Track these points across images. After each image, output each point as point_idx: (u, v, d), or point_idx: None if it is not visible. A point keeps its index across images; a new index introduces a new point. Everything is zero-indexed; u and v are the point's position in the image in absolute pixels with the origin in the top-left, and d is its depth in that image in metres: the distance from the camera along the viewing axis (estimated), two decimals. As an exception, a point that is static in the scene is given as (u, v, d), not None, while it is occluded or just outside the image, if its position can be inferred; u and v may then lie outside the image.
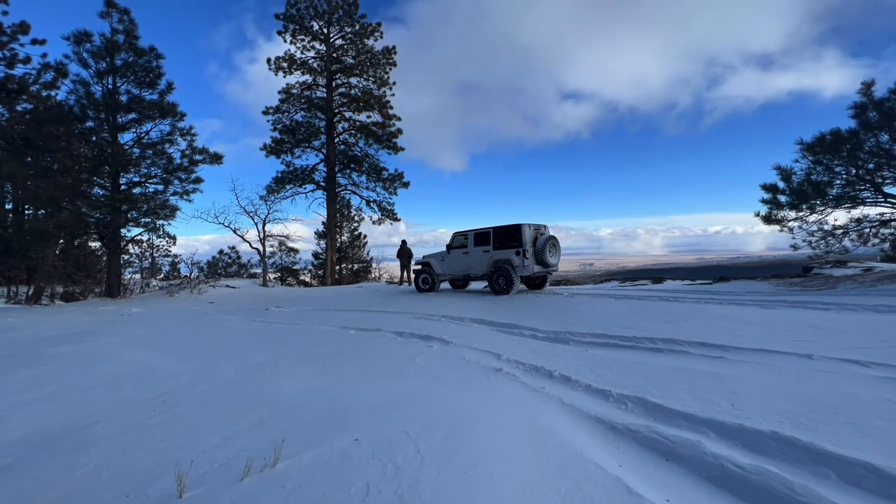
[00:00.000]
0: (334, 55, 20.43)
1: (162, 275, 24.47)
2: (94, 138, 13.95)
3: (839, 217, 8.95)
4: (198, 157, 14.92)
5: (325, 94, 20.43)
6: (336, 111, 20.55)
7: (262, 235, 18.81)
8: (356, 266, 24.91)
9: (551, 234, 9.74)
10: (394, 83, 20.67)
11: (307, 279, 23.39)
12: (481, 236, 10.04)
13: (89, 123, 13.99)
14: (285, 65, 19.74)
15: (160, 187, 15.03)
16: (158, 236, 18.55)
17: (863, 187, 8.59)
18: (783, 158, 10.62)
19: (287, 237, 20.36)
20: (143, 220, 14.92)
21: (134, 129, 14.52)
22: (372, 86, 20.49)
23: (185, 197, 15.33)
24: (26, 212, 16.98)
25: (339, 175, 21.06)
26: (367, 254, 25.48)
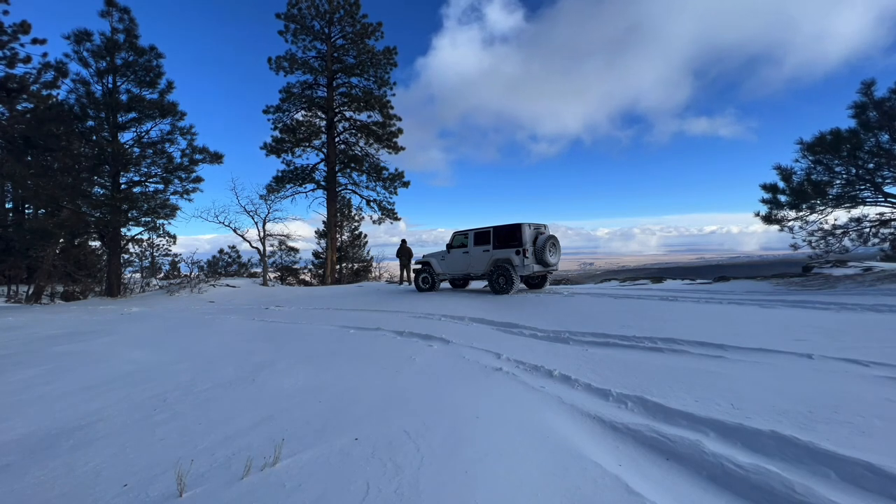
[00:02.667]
0: (335, 55, 20.42)
1: (162, 274, 24.47)
2: (94, 137, 13.95)
3: (839, 216, 8.95)
4: (198, 156, 14.94)
5: (325, 94, 20.43)
6: (337, 110, 20.55)
7: (262, 234, 18.83)
8: (356, 265, 24.91)
9: (551, 233, 9.74)
10: (394, 83, 20.68)
11: (307, 278, 23.40)
12: (481, 236, 10.03)
13: (89, 122, 14.01)
14: (286, 64, 19.75)
15: (160, 186, 15.06)
16: (158, 235, 18.59)
17: (863, 187, 8.58)
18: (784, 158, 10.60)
19: (287, 236, 20.39)
20: (143, 219, 14.93)
21: (134, 129, 14.55)
22: (372, 85, 20.49)
23: (185, 196, 15.36)
24: (26, 211, 16.99)
25: (339, 174, 21.06)
26: (368, 253, 25.49)
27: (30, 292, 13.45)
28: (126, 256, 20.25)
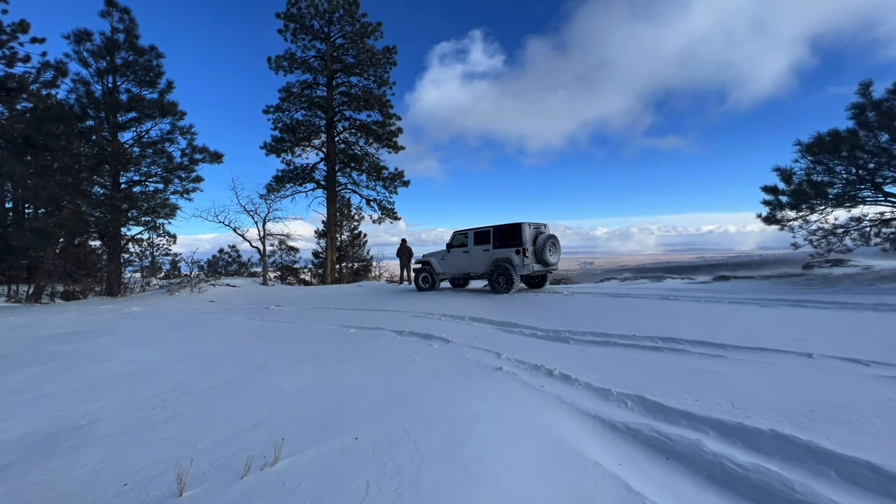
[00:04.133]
0: (335, 54, 20.40)
1: (162, 273, 24.46)
2: (94, 137, 13.94)
3: (840, 216, 8.96)
4: (198, 155, 14.92)
5: (325, 93, 20.41)
6: (336, 110, 20.53)
7: (262, 234, 18.83)
8: (356, 265, 24.90)
9: (551, 232, 9.74)
10: (394, 83, 20.67)
11: (307, 278, 23.39)
12: (481, 235, 10.03)
13: (89, 122, 13.99)
14: (286, 63, 19.73)
15: (160, 186, 15.03)
16: (159, 235, 18.62)
17: (863, 187, 8.59)
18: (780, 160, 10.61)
19: (287, 236, 20.39)
20: (143, 218, 14.91)
21: (134, 128, 14.53)
22: (372, 85, 20.47)
23: (185, 196, 15.34)
24: (26, 211, 16.99)
25: (339, 174, 21.05)
26: (368, 252, 25.48)
27: (30, 292, 13.45)
28: (126, 256, 20.24)
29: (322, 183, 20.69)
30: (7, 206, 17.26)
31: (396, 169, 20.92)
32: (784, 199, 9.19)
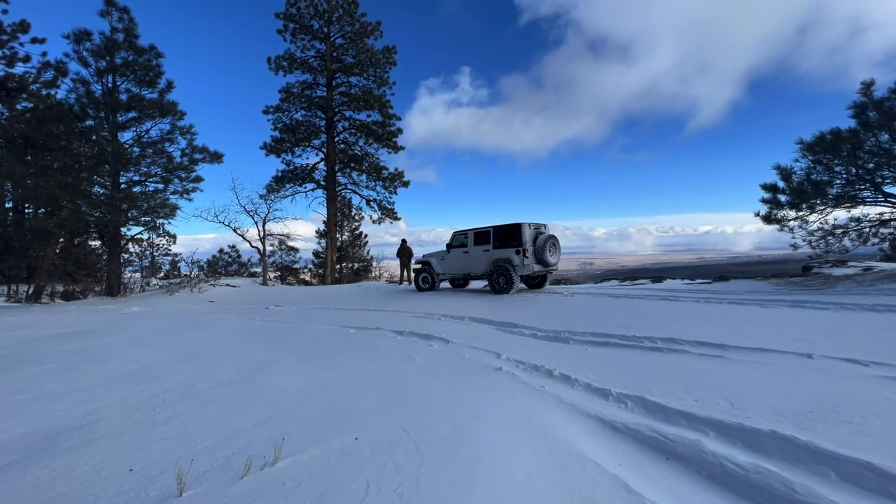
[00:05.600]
0: (334, 54, 20.40)
1: (162, 273, 24.45)
2: (94, 137, 13.94)
3: (839, 216, 8.96)
4: (198, 155, 14.93)
5: (325, 94, 20.41)
6: (336, 110, 20.52)
7: (262, 234, 18.83)
8: (356, 265, 24.89)
9: (551, 233, 9.74)
10: (394, 83, 20.67)
11: (307, 278, 23.38)
12: (481, 235, 10.03)
13: (89, 122, 13.99)
14: (285, 64, 19.73)
15: (160, 186, 15.04)
16: (159, 235, 18.58)
17: (863, 187, 8.59)
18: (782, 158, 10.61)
19: (287, 236, 20.39)
20: (143, 218, 14.92)
21: (134, 128, 14.54)
22: (372, 85, 20.47)
23: (185, 196, 15.35)
24: (26, 210, 16.98)
25: (339, 174, 21.05)
26: (368, 253, 25.47)
27: (30, 292, 13.45)
28: (126, 256, 20.23)
29: (322, 183, 20.69)
30: (7, 206, 17.25)
31: (396, 169, 20.94)
32: (783, 198, 9.20)
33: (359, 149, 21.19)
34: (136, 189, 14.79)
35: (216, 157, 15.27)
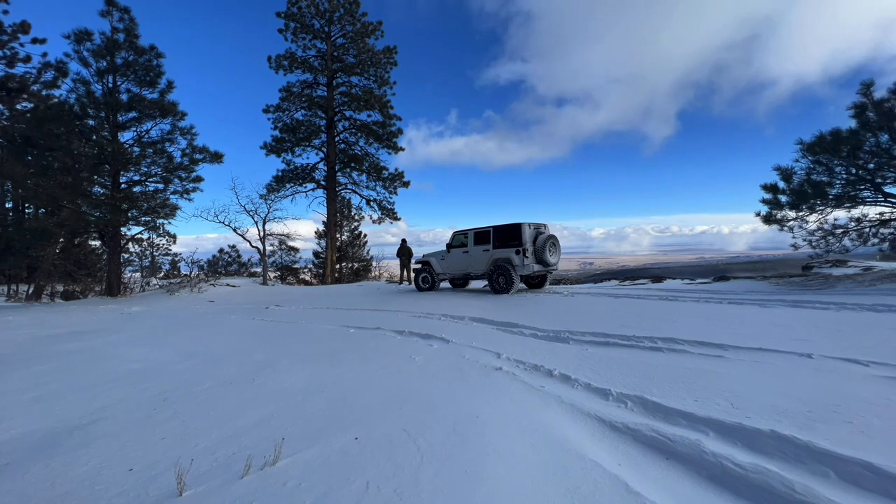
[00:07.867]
0: (335, 54, 20.40)
1: (162, 273, 24.46)
2: (94, 137, 13.94)
3: (839, 216, 8.96)
4: (198, 155, 14.91)
5: (325, 93, 20.42)
6: (336, 110, 20.53)
7: (262, 234, 18.84)
8: (356, 265, 24.90)
9: (551, 233, 9.74)
10: (394, 82, 20.68)
11: (307, 278, 23.39)
12: (481, 235, 10.03)
13: (90, 122, 13.99)
14: (286, 63, 19.73)
15: (160, 186, 15.03)
16: (159, 235, 18.61)
17: (863, 187, 8.58)
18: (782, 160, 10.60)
19: (287, 236, 20.41)
20: (143, 218, 14.92)
21: (134, 128, 14.53)
22: (373, 85, 20.48)
23: (185, 195, 15.34)
24: (27, 210, 16.99)
25: (339, 174, 21.06)
26: (368, 253, 25.49)
27: (30, 291, 13.46)
28: (126, 256, 20.22)
29: (322, 183, 20.70)
30: (7, 205, 17.26)
31: (396, 169, 20.96)
32: (783, 198, 9.20)
33: (359, 149, 21.22)
34: (136, 189, 14.79)
35: (216, 157, 15.26)
